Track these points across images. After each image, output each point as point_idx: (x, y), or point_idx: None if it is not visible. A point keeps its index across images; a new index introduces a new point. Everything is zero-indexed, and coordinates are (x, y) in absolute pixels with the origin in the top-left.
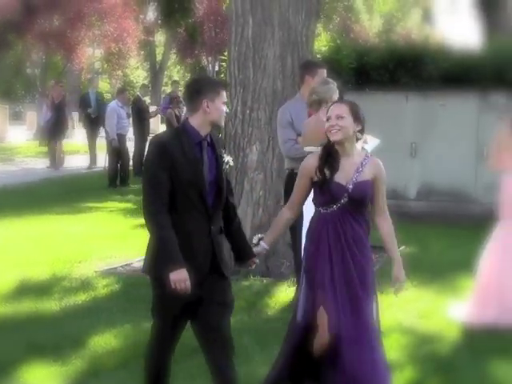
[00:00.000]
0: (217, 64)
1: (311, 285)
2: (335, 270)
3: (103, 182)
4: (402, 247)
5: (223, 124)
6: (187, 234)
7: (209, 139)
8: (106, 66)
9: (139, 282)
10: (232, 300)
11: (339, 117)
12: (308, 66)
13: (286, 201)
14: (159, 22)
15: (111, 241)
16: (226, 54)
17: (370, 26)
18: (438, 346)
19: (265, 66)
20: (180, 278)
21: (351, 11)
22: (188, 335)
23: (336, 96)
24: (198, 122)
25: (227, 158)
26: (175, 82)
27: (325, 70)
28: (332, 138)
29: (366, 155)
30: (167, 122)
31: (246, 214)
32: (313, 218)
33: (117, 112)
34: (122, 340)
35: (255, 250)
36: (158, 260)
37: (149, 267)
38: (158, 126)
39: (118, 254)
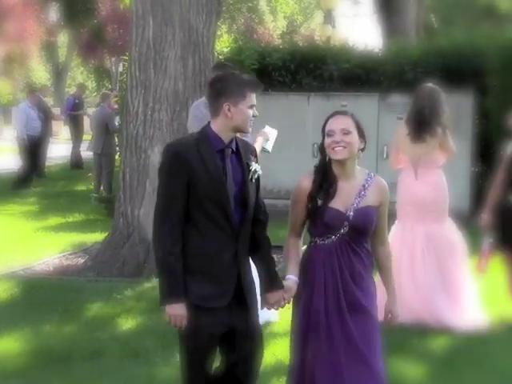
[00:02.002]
0: (120, 65)
1: (305, 325)
2: (330, 309)
3: (7, 185)
4: (304, 247)
5: (250, 130)
6: (209, 256)
7: (234, 146)
8: (6, 66)
9: (40, 285)
10: (259, 332)
11: (345, 132)
12: (221, 67)
13: None
14: (62, 22)
15: (12, 244)
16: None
17: (274, 28)
18: None
19: (166, 67)
20: (176, 313)
21: (255, 12)
22: None
23: None
24: (219, 128)
25: (254, 167)
26: (81, 85)
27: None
28: (336, 157)
29: (368, 175)
30: (70, 123)
31: (149, 216)
32: (307, 251)
33: (27, 113)
34: (22, 344)
35: (285, 283)
36: (163, 290)
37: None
38: (60, 128)
39: (18, 258)
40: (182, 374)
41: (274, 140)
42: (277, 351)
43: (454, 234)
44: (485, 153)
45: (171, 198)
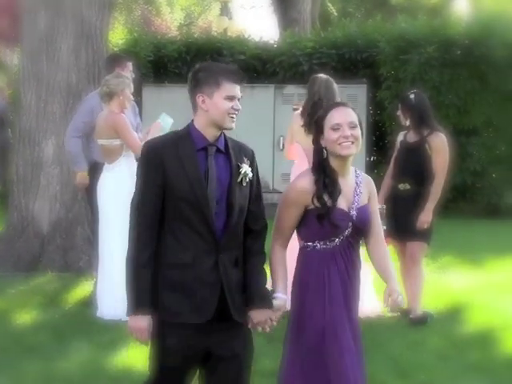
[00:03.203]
0: (15, 57)
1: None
2: (347, 325)
3: None
4: None
5: (232, 126)
6: (184, 265)
7: (221, 145)
8: None
9: None
10: (249, 350)
11: (353, 125)
12: (116, 59)
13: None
14: None
15: None
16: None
17: (171, 20)
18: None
19: (58, 59)
20: (136, 326)
21: (152, 4)
22: None
23: (129, 90)
24: (201, 124)
25: (245, 168)
26: None
27: (131, 63)
28: (343, 153)
29: (355, 171)
30: None
31: (43, 210)
32: (303, 257)
33: None
34: None
35: (275, 303)
36: (127, 299)
37: None
38: None
39: None
40: None
41: (169, 130)
42: None
43: None
44: (379, 142)
45: (143, 201)
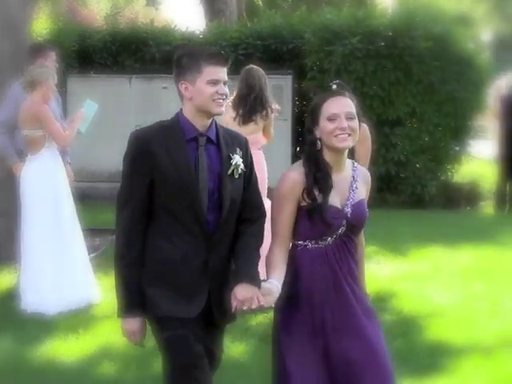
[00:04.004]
0: None
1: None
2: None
3: None
4: None
5: (220, 110)
6: (174, 263)
7: (213, 134)
8: None
9: None
10: (221, 354)
11: (350, 116)
12: (39, 49)
13: None
14: None
15: None
16: None
17: (98, 10)
18: None
19: None
20: (130, 328)
21: None
22: None
23: (53, 81)
24: (189, 112)
25: (236, 159)
26: None
27: (54, 53)
28: (340, 145)
29: (353, 165)
30: None
31: None
32: (294, 255)
33: None
34: None
35: (265, 286)
36: (118, 300)
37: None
38: None
39: None
40: None
41: (94, 115)
42: (104, 333)
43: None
44: (303, 133)
45: (130, 195)
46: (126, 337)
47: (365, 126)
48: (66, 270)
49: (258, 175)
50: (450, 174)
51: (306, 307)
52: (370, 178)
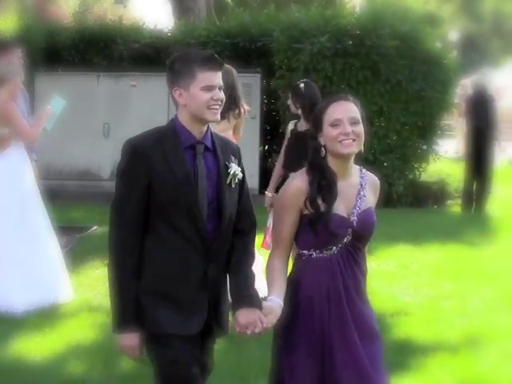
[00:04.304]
0: None
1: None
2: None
3: None
4: (94, 227)
5: (216, 117)
6: (172, 275)
7: (209, 142)
8: None
9: None
10: (212, 364)
11: (354, 121)
12: (5, 46)
13: None
14: None
15: None
16: None
17: (67, 7)
18: None
19: None
20: (128, 344)
21: None
22: None
23: (20, 78)
24: (184, 119)
25: (234, 169)
26: None
27: (20, 50)
28: (344, 151)
29: (360, 171)
30: None
31: None
32: (298, 265)
33: None
34: None
35: (267, 305)
36: (114, 315)
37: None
38: None
39: None
40: None
41: (60, 112)
42: (71, 332)
43: None
44: (273, 132)
45: (127, 203)
46: (123, 353)
47: None
48: (34, 269)
49: None
50: (417, 172)
51: (308, 318)
52: (379, 185)
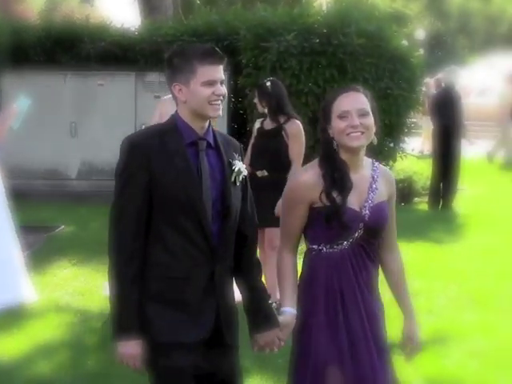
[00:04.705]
0: None
1: (316, 364)
2: (353, 334)
3: None
4: (62, 227)
5: (217, 113)
6: (177, 279)
7: (211, 138)
8: None
9: None
10: (239, 374)
11: (363, 113)
12: None
13: None
14: None
15: None
16: None
17: (33, 5)
18: (95, 323)
19: None
20: (129, 353)
21: None
22: None
23: None
24: (185, 115)
25: (238, 166)
26: None
27: None
28: (352, 144)
29: (372, 164)
30: None
31: None
32: (308, 260)
33: None
34: None
35: (282, 320)
36: (114, 321)
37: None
38: None
39: None
40: None
41: (26, 111)
42: (38, 332)
43: None
44: (241, 130)
45: (127, 203)
46: (123, 362)
47: (298, 124)
48: None
49: None
50: None
51: (323, 316)
52: (393, 178)
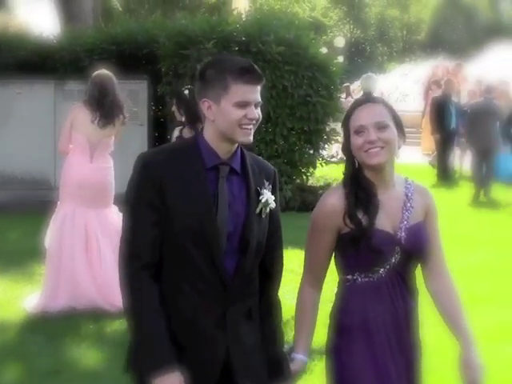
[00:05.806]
0: None
1: None
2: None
3: None
4: None
5: (248, 139)
6: (185, 319)
7: (237, 164)
8: None
9: None
10: None
11: (381, 126)
12: None
13: None
14: None
15: None
16: None
17: None
18: (12, 335)
19: None
20: None
21: None
22: None
23: None
24: (210, 136)
25: (267, 196)
26: None
27: None
28: (371, 162)
29: (405, 181)
30: None
31: None
32: (342, 294)
33: None
34: None
35: (292, 367)
36: (139, 358)
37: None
38: None
39: None
40: None
41: None
42: None
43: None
44: (161, 138)
45: (139, 230)
46: None
47: None
48: None
49: (110, 179)
50: (304, 177)
51: (363, 349)
52: (430, 194)
